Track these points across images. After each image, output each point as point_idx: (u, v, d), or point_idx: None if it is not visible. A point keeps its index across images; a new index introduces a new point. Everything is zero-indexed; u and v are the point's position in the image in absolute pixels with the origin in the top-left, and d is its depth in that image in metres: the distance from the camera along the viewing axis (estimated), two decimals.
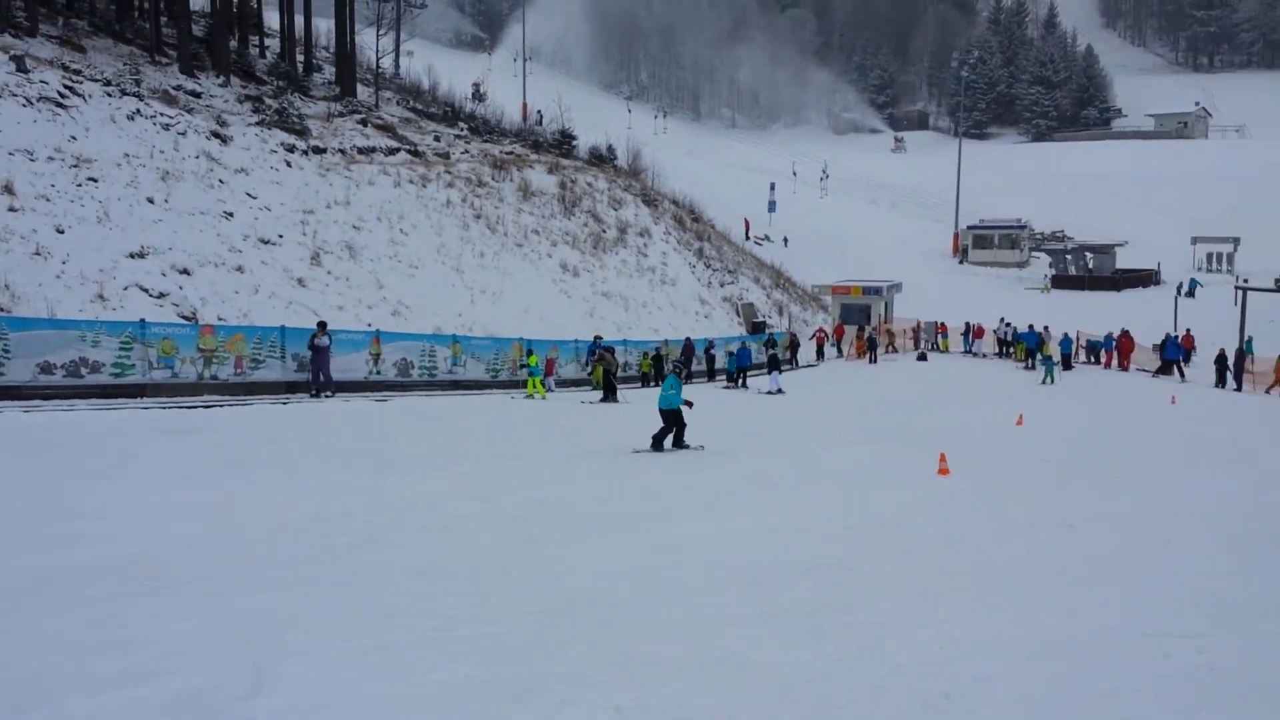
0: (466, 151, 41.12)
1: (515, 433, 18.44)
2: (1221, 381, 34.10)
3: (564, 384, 28.56)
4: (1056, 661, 5.78)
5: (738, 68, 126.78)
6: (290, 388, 21.62)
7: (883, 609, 6.85)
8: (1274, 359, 33.99)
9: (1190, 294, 50.95)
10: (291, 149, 31.99)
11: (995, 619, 6.65)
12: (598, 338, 29.20)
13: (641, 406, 24.26)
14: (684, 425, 16.14)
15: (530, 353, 26.36)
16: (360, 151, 35.41)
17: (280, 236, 26.94)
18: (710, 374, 33.65)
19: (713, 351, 34.08)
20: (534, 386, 25.25)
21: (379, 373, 23.78)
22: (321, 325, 21.62)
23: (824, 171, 76.72)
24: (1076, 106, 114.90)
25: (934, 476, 13.34)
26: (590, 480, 13.15)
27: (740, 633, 6.22)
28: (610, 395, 25.19)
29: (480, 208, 35.70)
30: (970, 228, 65.75)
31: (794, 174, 75.48)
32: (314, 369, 21.30)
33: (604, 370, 25.76)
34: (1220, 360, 34.44)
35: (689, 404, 16.16)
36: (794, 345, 38.33)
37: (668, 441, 15.96)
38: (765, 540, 9.25)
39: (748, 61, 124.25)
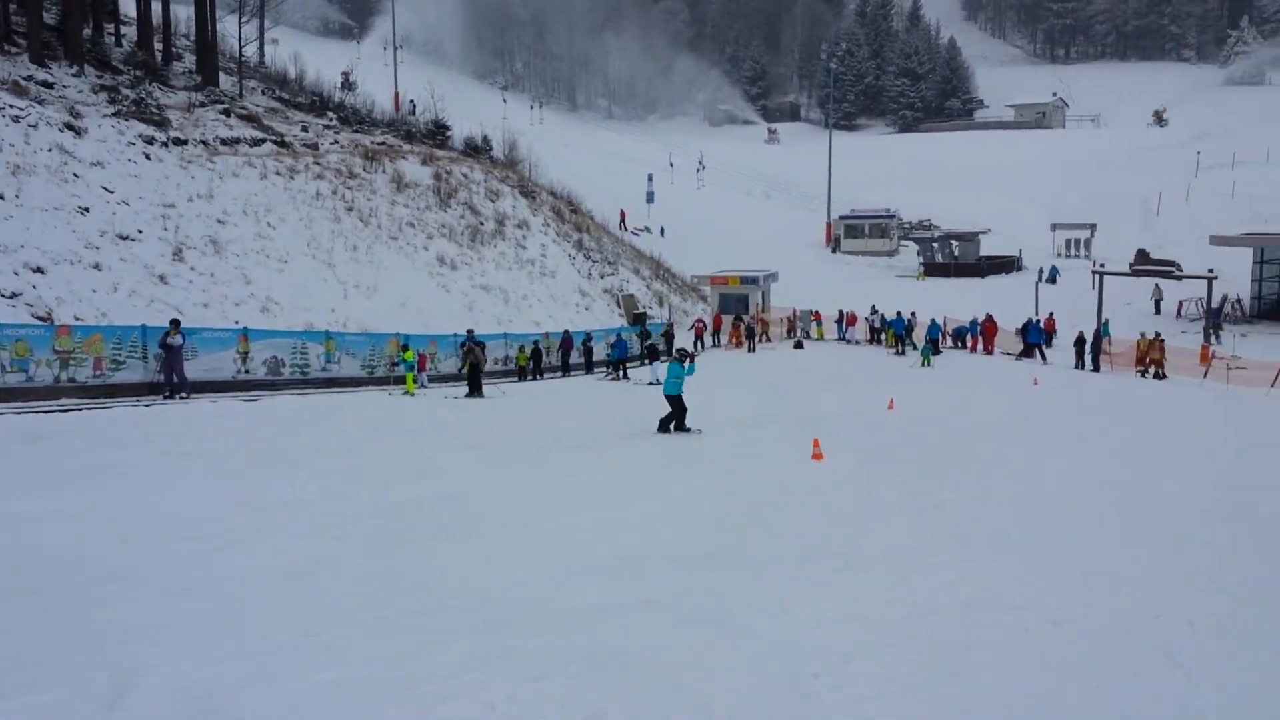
0: (336, 142, 40.15)
1: (383, 430, 18.07)
2: (1080, 363, 35.61)
3: (444, 379, 28.19)
4: (922, 638, 5.97)
5: (612, 58, 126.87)
6: (153, 389, 20.70)
7: (755, 593, 6.97)
8: (1130, 340, 35.79)
9: (1051, 280, 52.95)
10: (150, 141, 30.71)
11: (864, 598, 6.83)
12: (470, 332, 28.45)
13: (512, 400, 24.33)
14: (684, 410, 17.06)
15: (405, 348, 25.91)
16: (223, 143, 34.22)
17: (140, 232, 25.83)
18: (588, 366, 33.57)
19: (590, 344, 34.02)
20: (412, 383, 24.89)
21: (247, 372, 23.03)
22: (174, 323, 20.66)
23: (700, 163, 77.47)
24: (941, 98, 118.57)
25: (808, 461, 13.62)
26: (459, 476, 12.97)
27: (615, 623, 6.25)
28: (475, 390, 24.69)
29: (352, 200, 34.91)
30: (842, 218, 67.24)
31: (671, 165, 76.03)
32: (167, 369, 20.36)
33: (471, 365, 25.22)
34: (1079, 342, 35.97)
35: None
36: (669, 336, 38.30)
37: (673, 425, 17.08)
38: (640, 529, 9.32)
39: (622, 52, 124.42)
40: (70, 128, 28.38)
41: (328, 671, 5.31)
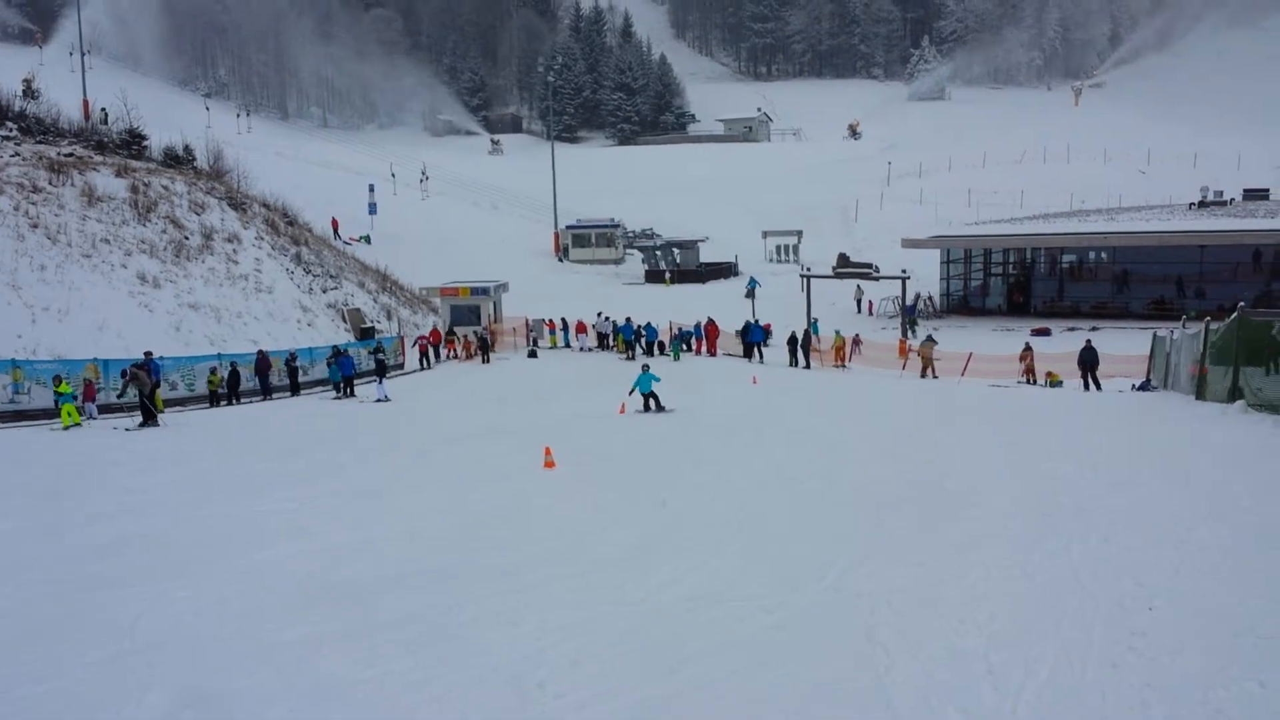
0: (17, 154, 36.56)
1: (48, 467, 16.54)
2: (794, 360, 37.77)
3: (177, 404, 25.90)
4: (646, 635, 6.11)
5: (324, 66, 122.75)
6: None
7: (482, 608, 6.90)
8: (843, 337, 38.41)
9: (750, 294, 54.84)
10: None
11: (591, 602, 6.92)
12: (147, 354, 25.37)
13: (190, 430, 22.03)
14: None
15: (59, 379, 23.12)
16: None
17: None
18: (294, 388, 31.16)
19: (295, 363, 31.57)
20: (69, 415, 21.75)
21: None
22: None
23: (423, 173, 76.24)
24: (655, 112, 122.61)
25: (540, 469, 13.68)
26: (150, 515, 11.96)
27: (333, 653, 6.00)
28: (149, 419, 22.27)
29: (37, 215, 31.88)
30: (569, 227, 68.15)
31: (392, 175, 74.35)
32: None
33: (139, 391, 22.51)
34: (791, 341, 38.18)
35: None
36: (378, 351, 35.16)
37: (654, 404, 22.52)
38: (361, 553, 9.01)
39: (333, 60, 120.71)
40: None
41: None
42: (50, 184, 34.28)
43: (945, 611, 6.69)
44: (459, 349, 42.24)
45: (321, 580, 7.92)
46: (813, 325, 42.48)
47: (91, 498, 11.77)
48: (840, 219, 70.82)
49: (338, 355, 31.25)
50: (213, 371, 28.42)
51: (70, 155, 38.78)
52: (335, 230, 55.11)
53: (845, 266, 52.14)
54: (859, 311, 51.83)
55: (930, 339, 34.52)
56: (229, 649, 6.12)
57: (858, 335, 41.24)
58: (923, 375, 32.45)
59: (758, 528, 9.65)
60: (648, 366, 24.71)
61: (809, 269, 50.66)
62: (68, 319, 27.96)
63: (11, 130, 40.68)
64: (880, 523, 9.83)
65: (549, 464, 13.93)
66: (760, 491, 11.77)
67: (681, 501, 11.03)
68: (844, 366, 36.59)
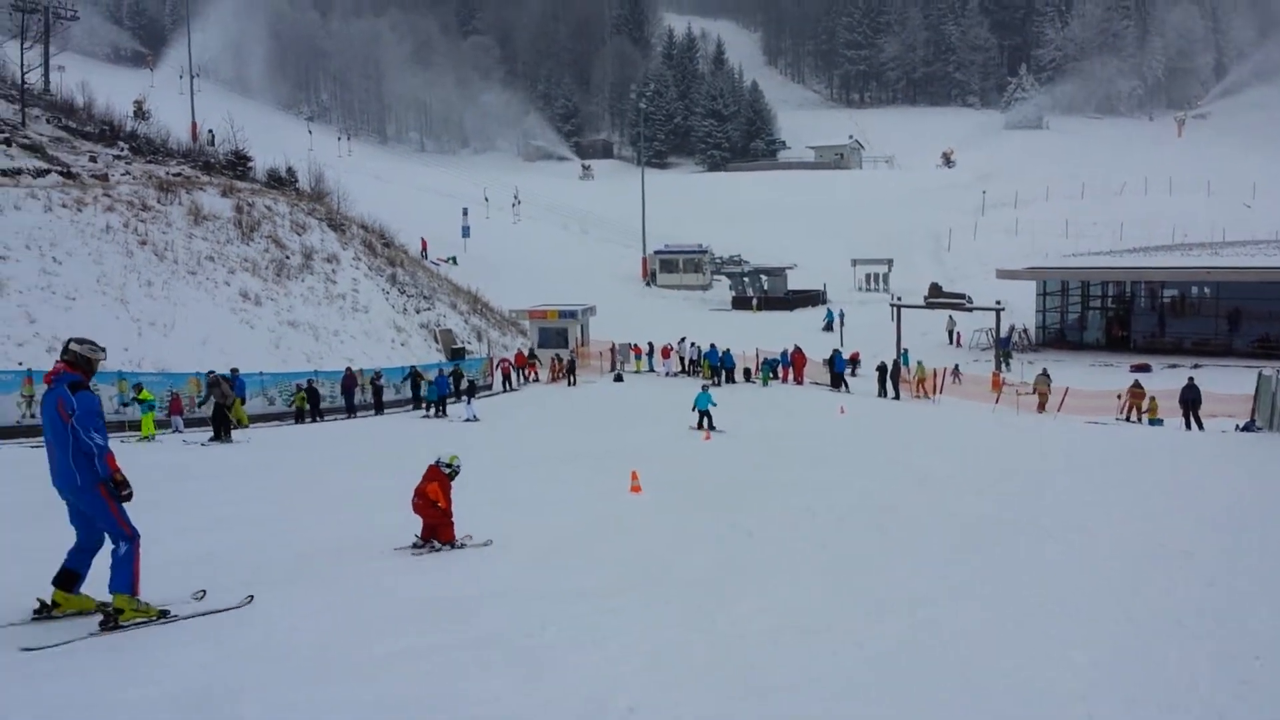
0: (128, 173, 38.14)
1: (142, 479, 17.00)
2: (883, 391, 37.25)
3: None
4: (733, 661, 6.03)
5: (422, 91, 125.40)
6: None
7: (568, 628, 6.88)
8: (927, 369, 37.79)
9: (828, 327, 54.43)
10: None
11: (677, 627, 6.85)
12: (233, 370, 25.47)
13: (266, 446, 21.76)
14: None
15: (140, 387, 23.09)
16: (4, 174, 32.00)
17: None
18: (378, 407, 31.39)
19: (380, 382, 31.91)
20: (150, 427, 22.02)
21: (34, 416, 21.52)
22: None
23: (516, 197, 77.39)
24: (746, 138, 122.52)
25: (626, 494, 13.65)
26: (235, 528, 12.22)
27: (426, 668, 6.03)
28: (221, 434, 21.80)
29: (145, 233, 33.13)
30: (657, 252, 68.49)
31: (486, 199, 75.63)
32: None
33: (216, 405, 22.15)
34: (881, 371, 37.68)
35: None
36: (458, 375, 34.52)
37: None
38: (443, 571, 9.00)
39: (432, 86, 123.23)
40: None
41: None
42: (159, 202, 35.58)
43: (1041, 653, 6.49)
44: (540, 371, 42.61)
45: (404, 596, 7.97)
46: (903, 356, 41.91)
47: (180, 510, 12.01)
48: (932, 248, 69.89)
49: (416, 376, 31.85)
50: (297, 389, 28.91)
51: (178, 175, 40.28)
52: (424, 250, 56.10)
53: (937, 296, 51.38)
54: (950, 343, 50.94)
55: (1045, 375, 33.74)
56: (326, 659, 6.19)
57: (957, 366, 40.57)
58: (1040, 410, 31.76)
59: (846, 558, 9.50)
60: (707, 386, 27.30)
61: (899, 298, 49.99)
62: (172, 333, 28.93)
63: (123, 150, 42.44)
64: (972, 557, 9.60)
65: (635, 488, 13.88)
66: (847, 521, 11.61)
67: (768, 529, 10.92)
68: (931, 398, 35.98)
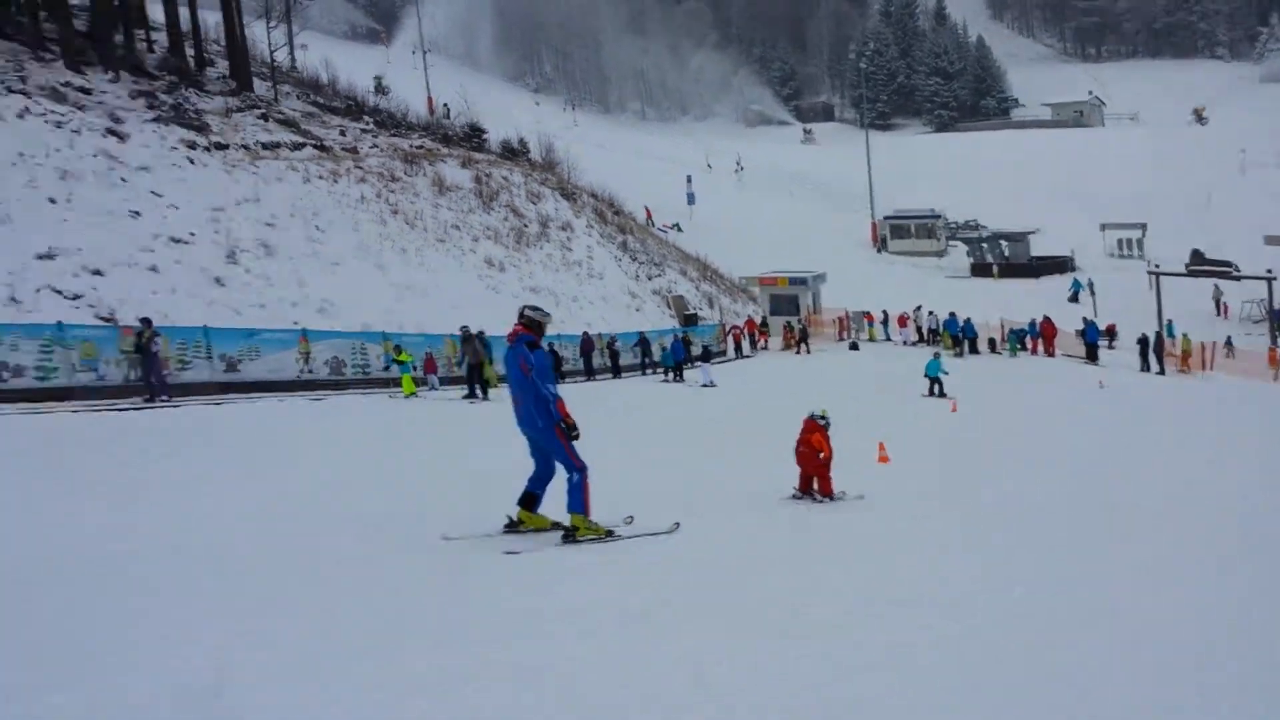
0: (375, 146, 39.36)
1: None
2: (1146, 365, 34.55)
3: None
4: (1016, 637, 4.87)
5: (640, 60, 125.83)
6: (223, 388, 20.60)
7: (828, 614, 5.98)
8: (1193, 342, 34.81)
9: (1074, 298, 51.07)
10: (192, 145, 30.08)
11: (953, 603, 6.10)
12: (479, 332, 25.04)
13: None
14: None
15: (399, 349, 23.81)
16: (264, 147, 33.49)
17: (192, 235, 25.43)
18: (615, 370, 31.94)
19: (616, 346, 32.49)
20: (408, 384, 22.73)
21: (310, 371, 22.70)
22: (147, 323, 19.07)
23: (738, 163, 76.40)
24: (975, 97, 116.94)
25: (874, 464, 13.22)
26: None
27: (696, 629, 5.20)
28: (477, 390, 22.44)
29: (396, 203, 34.15)
30: (887, 218, 66.08)
31: (709, 166, 75.00)
32: (145, 373, 18.83)
33: (469, 364, 22.75)
34: (1142, 343, 34.89)
35: None
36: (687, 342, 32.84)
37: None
38: (726, 533, 8.70)
39: (649, 54, 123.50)
40: (113, 133, 27.86)
41: None
42: (405, 174, 36.61)
43: None
44: (770, 339, 41.75)
45: (706, 554, 7.68)
46: (1167, 327, 38.79)
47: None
48: (1189, 212, 64.30)
49: (645, 343, 31.78)
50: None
51: (420, 147, 41.32)
52: (648, 218, 55.68)
53: (1200, 264, 47.39)
54: (1218, 314, 46.84)
55: None
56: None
57: (1229, 339, 37.18)
58: None
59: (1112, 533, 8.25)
60: (938, 354, 27.96)
61: (1158, 265, 46.13)
62: (427, 298, 29.66)
63: (368, 124, 43.88)
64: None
65: (882, 458, 13.44)
66: (1117, 502, 10.31)
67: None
68: (1198, 373, 32.89)
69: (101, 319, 20.65)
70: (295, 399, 20.30)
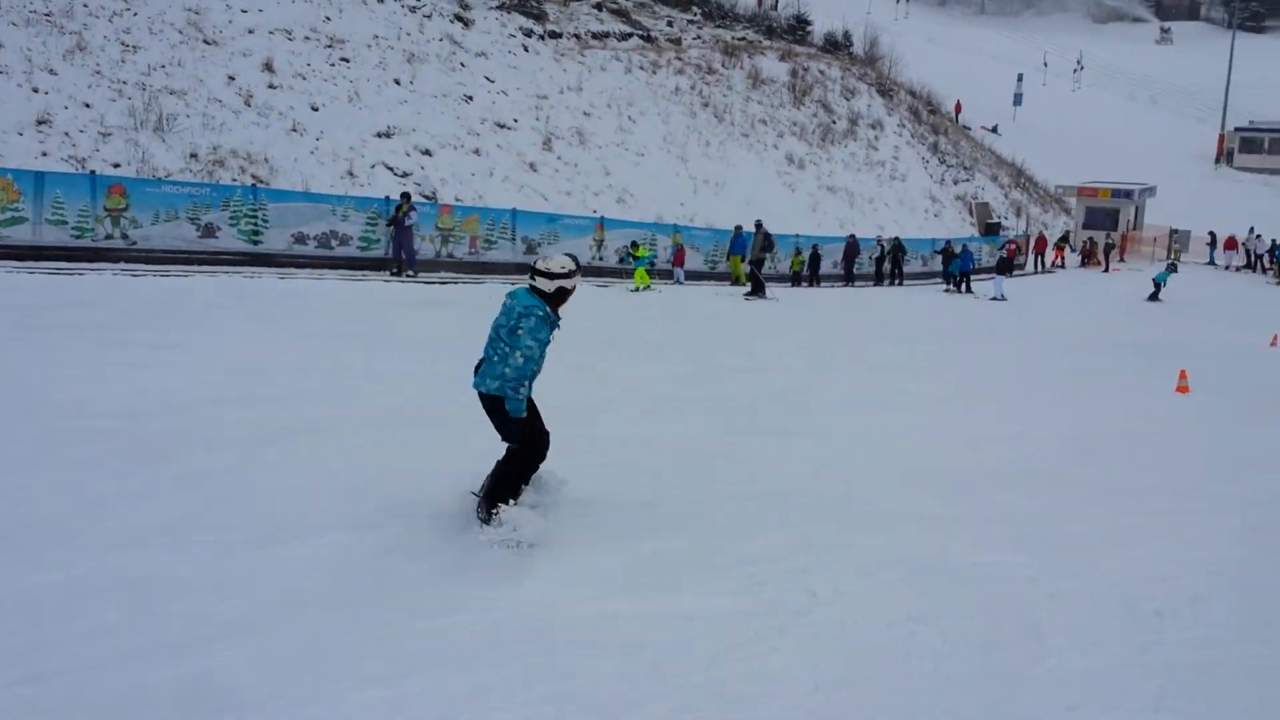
0: (699, 37, 40.67)
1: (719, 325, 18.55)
2: None
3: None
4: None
5: None
6: (520, 269, 22.37)
7: (1095, 522, 6.66)
8: None
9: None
10: (529, 34, 32.52)
11: (1218, 542, 6.35)
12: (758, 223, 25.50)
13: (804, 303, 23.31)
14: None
15: (636, 245, 23.97)
16: (594, 36, 35.61)
17: (515, 121, 27.70)
18: (878, 276, 31.48)
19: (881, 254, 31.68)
20: (641, 278, 22.69)
21: (601, 259, 24.40)
22: (405, 197, 19.81)
23: (1078, 63, 71.46)
24: None
25: (1172, 393, 12.65)
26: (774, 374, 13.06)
27: (944, 533, 6.20)
28: (758, 289, 23.07)
29: (709, 96, 35.42)
30: (1238, 130, 60.03)
31: (1045, 65, 70.69)
32: (396, 247, 19.65)
33: (757, 259, 23.39)
34: None
35: None
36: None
37: None
38: (969, 447, 9.06)
39: None
40: (460, 19, 30.57)
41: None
42: (723, 66, 37.70)
43: None
44: (1065, 255, 39.86)
45: (923, 466, 8.15)
46: None
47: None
48: None
49: (949, 253, 30.75)
50: (797, 252, 29.06)
51: (742, 39, 42.17)
52: (956, 114, 53.44)
53: None
54: None
55: None
56: (838, 510, 6.64)
57: None
58: None
59: None
60: (1174, 266, 30.53)
61: None
62: (722, 192, 30.94)
63: (696, 14, 45.12)
64: None
65: (1182, 388, 12.78)
66: None
67: None
68: None
69: (425, 197, 22.68)
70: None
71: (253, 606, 4.48)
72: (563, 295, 5.50)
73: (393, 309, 15.59)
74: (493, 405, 5.41)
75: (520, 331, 5.31)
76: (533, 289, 5.47)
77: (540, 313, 5.35)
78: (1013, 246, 38.67)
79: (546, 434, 5.67)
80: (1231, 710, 4.07)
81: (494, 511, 5.35)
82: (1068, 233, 42.49)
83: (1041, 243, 39.45)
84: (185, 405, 8.07)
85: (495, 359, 5.39)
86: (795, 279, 28.66)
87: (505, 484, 5.50)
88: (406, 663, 4.04)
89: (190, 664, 3.90)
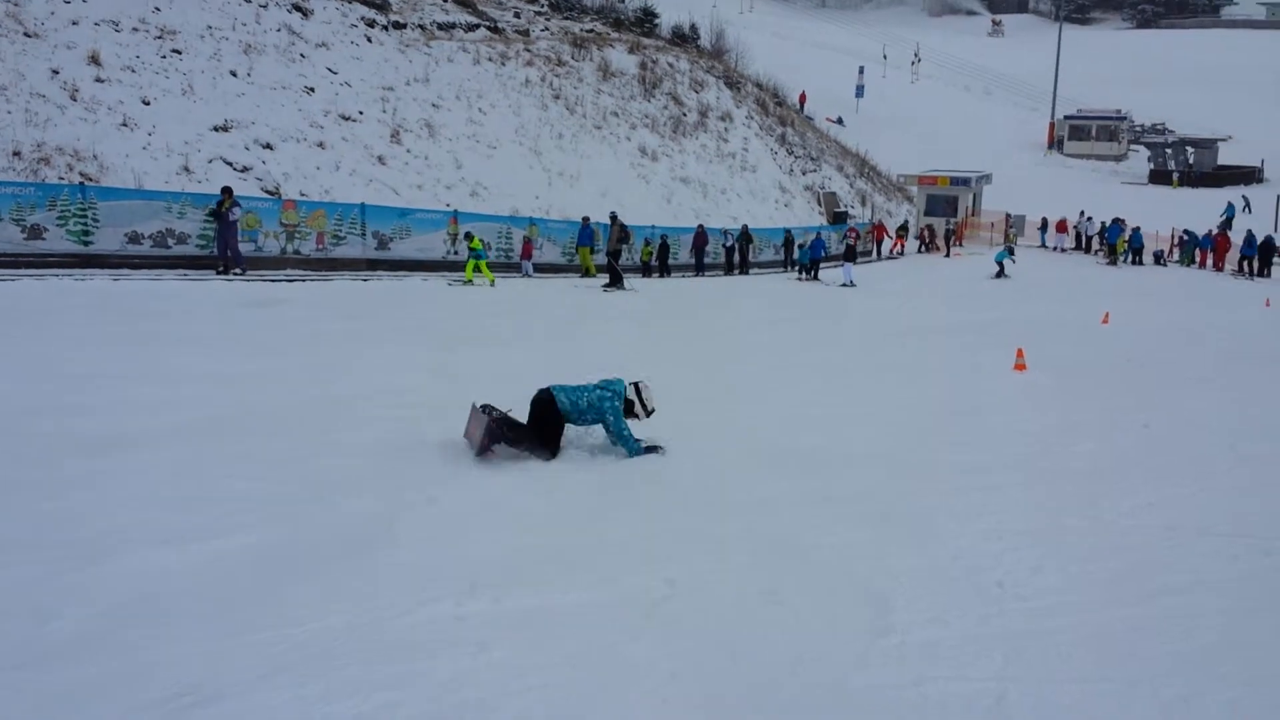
0: (547, 29, 40.46)
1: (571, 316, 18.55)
2: None
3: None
4: (1116, 556, 5.76)
5: None
6: (371, 265, 21.99)
7: (940, 498, 6.87)
8: None
9: (1227, 225, 45.64)
10: (372, 24, 31.75)
11: (1057, 512, 6.62)
12: (612, 214, 26.00)
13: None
14: None
15: (470, 236, 22.76)
16: (440, 27, 35.01)
17: (361, 113, 27.02)
18: (729, 266, 31.88)
19: (729, 244, 32.10)
20: (472, 271, 21.98)
21: (456, 253, 23.97)
22: (227, 192, 18.99)
23: (916, 55, 74.06)
24: None
25: (1010, 371, 13.18)
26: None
27: (794, 513, 6.29)
28: (616, 281, 23.33)
29: (559, 88, 35.26)
30: (1067, 118, 63.30)
31: (884, 57, 72.97)
32: (220, 243, 18.90)
33: (611, 250, 23.83)
34: None
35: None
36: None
37: None
38: (825, 428, 9.29)
39: None
40: (298, 9, 29.60)
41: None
42: (572, 59, 37.58)
43: None
44: (905, 243, 41.36)
45: (789, 447, 8.31)
46: None
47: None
48: None
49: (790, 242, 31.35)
50: (646, 242, 29.12)
51: (590, 31, 42.15)
52: (800, 105, 54.32)
53: None
54: None
55: None
56: (698, 499, 6.66)
57: None
58: None
59: (1255, 459, 8.62)
60: (1011, 250, 33.76)
61: None
62: (577, 185, 30.87)
63: (543, 6, 44.92)
64: None
65: (1019, 366, 13.35)
66: (1263, 427, 10.43)
67: (1166, 425, 10.10)
68: None
69: (267, 192, 21.95)
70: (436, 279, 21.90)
71: (72, 627, 4.19)
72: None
73: (231, 309, 14.97)
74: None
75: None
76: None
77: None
78: (853, 234, 39.82)
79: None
80: (1071, 675, 4.22)
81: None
82: (906, 221, 44.04)
83: (880, 230, 40.59)
84: None
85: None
86: (645, 269, 28.78)
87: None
88: (234, 677, 3.85)
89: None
